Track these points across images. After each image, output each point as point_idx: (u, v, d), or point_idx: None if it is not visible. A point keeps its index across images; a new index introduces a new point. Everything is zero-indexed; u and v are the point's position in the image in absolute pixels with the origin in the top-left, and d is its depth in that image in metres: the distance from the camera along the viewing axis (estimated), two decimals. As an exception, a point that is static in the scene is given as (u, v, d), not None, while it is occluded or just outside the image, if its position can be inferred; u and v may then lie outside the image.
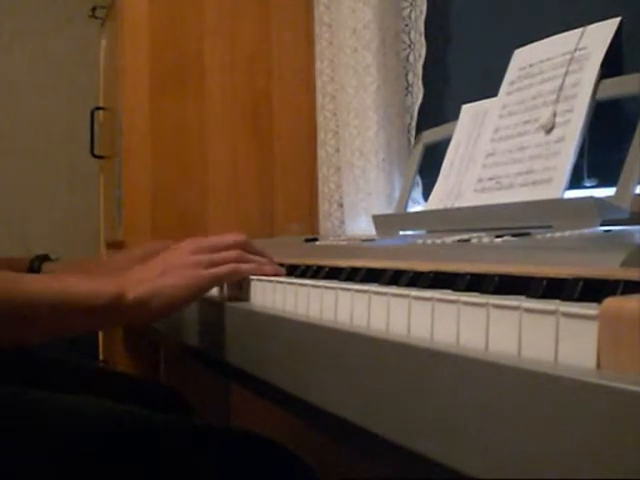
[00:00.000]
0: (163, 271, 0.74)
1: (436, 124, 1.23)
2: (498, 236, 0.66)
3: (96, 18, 2.03)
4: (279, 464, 0.82)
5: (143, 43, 1.63)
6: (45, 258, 1.19)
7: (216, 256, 0.77)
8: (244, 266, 0.77)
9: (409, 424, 0.44)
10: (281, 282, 0.69)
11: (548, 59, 0.95)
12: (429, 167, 1.21)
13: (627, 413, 0.30)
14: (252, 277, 0.77)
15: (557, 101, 0.90)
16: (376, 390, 0.47)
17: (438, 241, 0.72)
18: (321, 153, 1.52)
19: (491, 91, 1.05)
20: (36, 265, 1.16)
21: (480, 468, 0.38)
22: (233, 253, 0.78)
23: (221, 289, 0.82)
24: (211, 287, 0.77)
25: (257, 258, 0.79)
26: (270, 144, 1.70)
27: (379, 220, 1.18)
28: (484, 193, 0.98)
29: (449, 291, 0.49)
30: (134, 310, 0.72)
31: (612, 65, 0.87)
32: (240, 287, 0.78)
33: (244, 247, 0.79)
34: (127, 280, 0.73)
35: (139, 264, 0.80)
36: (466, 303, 0.43)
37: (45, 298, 0.69)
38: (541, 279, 0.45)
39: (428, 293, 0.47)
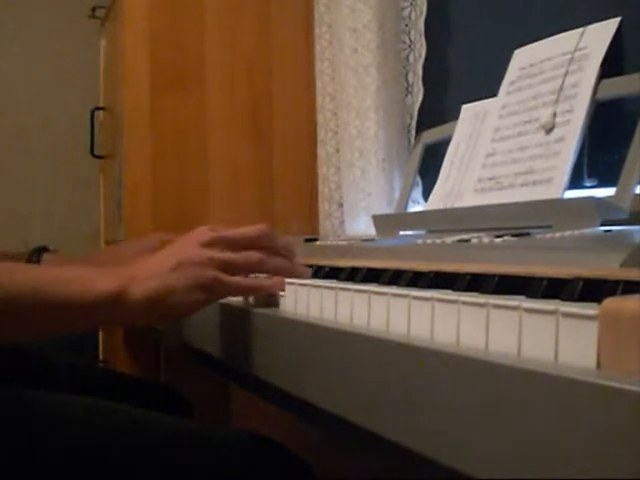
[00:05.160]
0: (175, 267, 0.66)
1: (436, 124, 1.22)
2: (498, 236, 0.66)
3: (96, 18, 2.03)
4: (279, 464, 0.82)
5: (143, 43, 1.63)
6: (43, 249, 1.18)
7: (235, 257, 0.69)
8: (267, 282, 0.69)
9: (409, 424, 0.44)
10: (281, 282, 0.69)
11: (548, 59, 0.95)
12: (429, 167, 1.21)
13: (627, 413, 0.30)
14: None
15: (557, 101, 0.90)
16: (376, 390, 0.47)
17: (438, 241, 0.72)
18: (321, 153, 1.52)
19: (491, 91, 1.05)
20: (35, 257, 1.15)
21: (480, 468, 0.38)
22: (254, 257, 0.70)
23: None
24: (229, 296, 0.70)
25: (278, 261, 0.71)
26: (270, 144, 1.70)
27: (379, 220, 1.18)
28: (484, 193, 0.98)
29: (449, 291, 0.49)
30: (140, 309, 0.65)
31: (612, 65, 0.87)
32: None
33: (266, 241, 0.72)
34: (132, 275, 0.66)
35: (143, 256, 0.73)
36: (466, 303, 0.43)
37: (35, 292, 0.63)
38: (541, 279, 0.45)
39: (428, 293, 0.47)
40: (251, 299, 0.73)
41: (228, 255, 0.68)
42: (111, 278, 0.65)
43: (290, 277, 0.69)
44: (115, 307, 0.64)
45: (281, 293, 0.69)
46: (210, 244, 0.69)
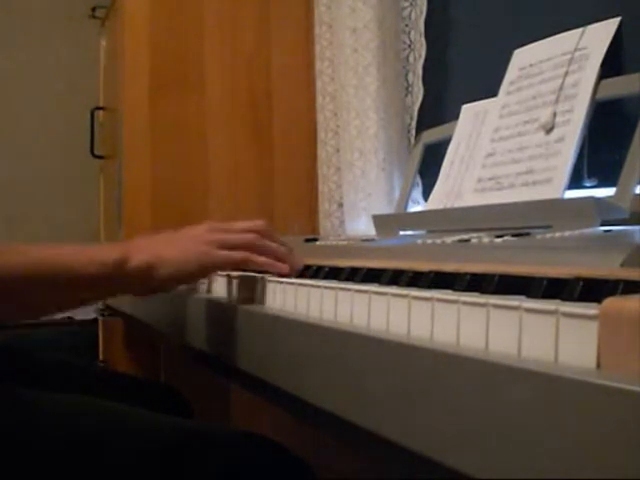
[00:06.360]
0: (171, 242, 0.74)
1: (436, 124, 1.22)
2: (498, 236, 0.66)
3: (96, 18, 2.03)
4: (279, 464, 0.82)
5: (143, 43, 1.63)
6: None
7: (231, 236, 0.75)
8: (259, 258, 0.74)
9: (409, 424, 0.44)
10: (281, 282, 0.69)
11: (548, 59, 0.95)
12: (429, 167, 1.21)
13: (627, 413, 0.30)
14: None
15: (557, 101, 0.90)
16: (376, 390, 0.47)
17: (438, 241, 0.72)
18: (321, 153, 1.52)
19: (491, 91, 1.05)
20: None
21: (480, 468, 0.38)
22: (249, 236, 0.75)
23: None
24: (220, 268, 0.76)
25: (275, 246, 0.76)
26: (270, 144, 1.70)
27: (379, 220, 1.18)
28: (484, 193, 0.98)
29: (449, 291, 0.49)
30: (137, 277, 0.71)
31: (612, 65, 0.87)
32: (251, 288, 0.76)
33: (263, 233, 0.77)
34: (131, 246, 0.72)
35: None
36: (466, 303, 0.43)
37: (43, 268, 0.68)
38: (541, 279, 0.45)
39: (428, 293, 0.47)
40: (234, 291, 0.78)
41: (225, 235, 0.75)
42: (112, 249, 0.72)
43: (280, 271, 0.73)
44: (116, 274, 0.71)
45: (281, 293, 0.69)
46: (210, 231, 0.75)
